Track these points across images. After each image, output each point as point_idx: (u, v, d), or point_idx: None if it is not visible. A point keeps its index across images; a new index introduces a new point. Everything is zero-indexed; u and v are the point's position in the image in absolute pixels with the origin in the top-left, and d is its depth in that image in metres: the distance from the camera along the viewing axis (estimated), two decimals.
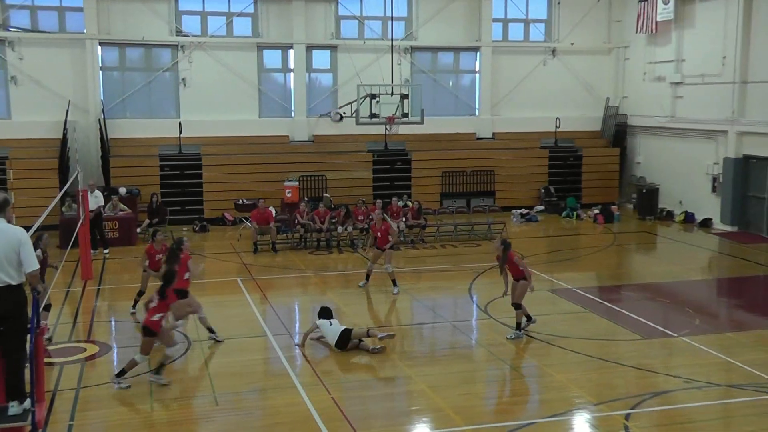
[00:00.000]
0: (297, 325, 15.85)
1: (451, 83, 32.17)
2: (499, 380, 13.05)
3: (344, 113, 28.66)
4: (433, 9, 30.79)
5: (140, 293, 16.19)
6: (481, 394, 12.39)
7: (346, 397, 11.85)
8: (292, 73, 30.04)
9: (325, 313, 14.35)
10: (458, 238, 24.71)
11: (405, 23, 30.94)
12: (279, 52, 30.22)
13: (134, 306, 16.44)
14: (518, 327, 14.70)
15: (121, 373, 12.24)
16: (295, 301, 18.29)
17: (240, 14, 29.47)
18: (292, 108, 30.19)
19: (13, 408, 7.98)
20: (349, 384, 12.58)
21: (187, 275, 14.34)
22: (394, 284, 18.19)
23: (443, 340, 15.09)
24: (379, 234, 18.51)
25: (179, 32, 28.94)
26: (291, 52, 29.83)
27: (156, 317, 12.22)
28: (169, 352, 12.53)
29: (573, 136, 32.15)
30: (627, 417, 11.04)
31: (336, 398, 11.69)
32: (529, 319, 14.88)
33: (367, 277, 18.62)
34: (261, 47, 29.85)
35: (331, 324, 14.11)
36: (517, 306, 14.68)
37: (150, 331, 12.25)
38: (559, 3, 32.09)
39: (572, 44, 32.08)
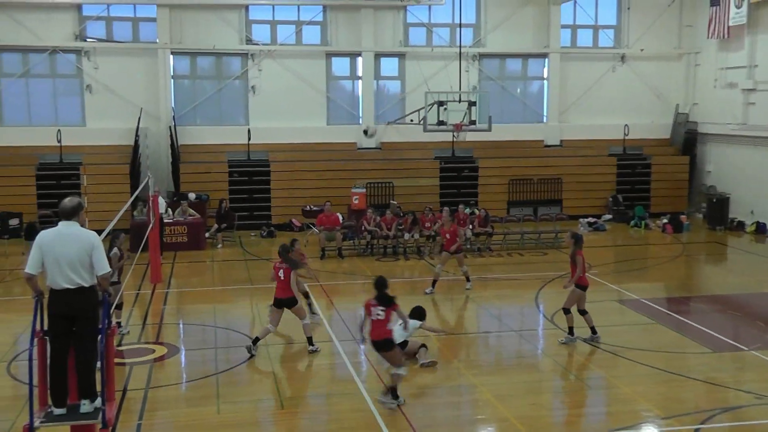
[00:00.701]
0: (364, 331, 15.87)
1: (518, 90, 32.00)
2: (565, 391, 12.89)
3: None
4: (502, 15, 30.65)
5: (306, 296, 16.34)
6: (547, 404, 12.26)
7: (411, 404, 11.82)
8: (360, 81, 30.22)
9: (413, 314, 14.08)
10: (525, 246, 24.51)
11: (473, 30, 30.87)
12: (347, 59, 30.42)
13: (312, 309, 16.46)
14: (570, 331, 14.69)
15: (394, 394, 11.59)
16: (360, 308, 18.27)
17: (309, 23, 29.75)
18: (360, 115, 30.36)
19: (85, 406, 8.17)
20: (415, 391, 12.55)
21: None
22: (467, 279, 18.79)
23: (509, 349, 14.99)
24: (447, 236, 18.60)
25: (249, 41, 29.34)
26: (359, 59, 30.00)
27: (390, 326, 11.77)
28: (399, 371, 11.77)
29: (642, 144, 31.67)
30: None
31: (401, 405, 11.68)
32: (570, 332, 14.75)
33: (433, 284, 18.63)
34: (329, 55, 30.09)
35: (398, 326, 13.98)
36: (567, 311, 14.67)
37: (389, 342, 11.74)
38: (629, 8, 31.65)
39: (642, 50, 31.61)
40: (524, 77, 32.00)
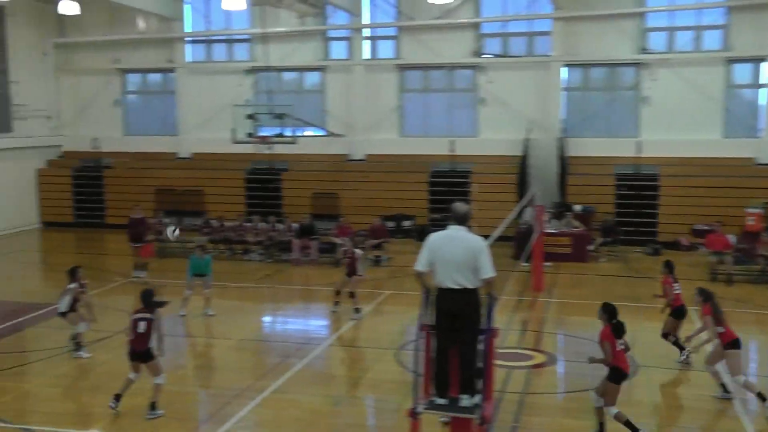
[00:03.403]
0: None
1: None
2: None
3: None
4: None
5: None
6: None
7: None
8: (764, 89, 28.01)
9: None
10: None
11: None
12: (750, 65, 28.36)
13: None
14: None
15: None
16: (753, 341, 16.84)
17: (710, 27, 28.22)
18: (761, 127, 28.16)
19: (465, 400, 8.45)
20: None
21: None
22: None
23: None
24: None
25: (644, 50, 28.57)
26: (764, 65, 27.81)
27: None
28: None
29: None
30: None
31: None
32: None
33: None
34: (730, 61, 28.25)
35: None
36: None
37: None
38: None
39: None
40: None
